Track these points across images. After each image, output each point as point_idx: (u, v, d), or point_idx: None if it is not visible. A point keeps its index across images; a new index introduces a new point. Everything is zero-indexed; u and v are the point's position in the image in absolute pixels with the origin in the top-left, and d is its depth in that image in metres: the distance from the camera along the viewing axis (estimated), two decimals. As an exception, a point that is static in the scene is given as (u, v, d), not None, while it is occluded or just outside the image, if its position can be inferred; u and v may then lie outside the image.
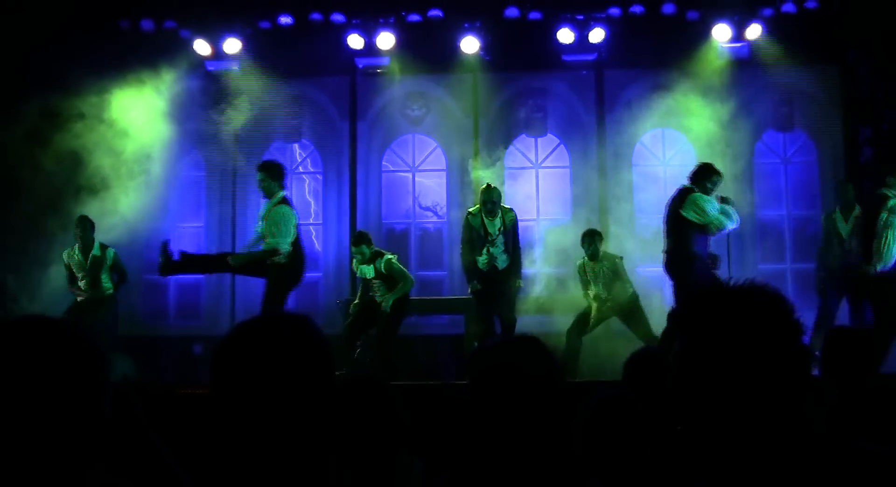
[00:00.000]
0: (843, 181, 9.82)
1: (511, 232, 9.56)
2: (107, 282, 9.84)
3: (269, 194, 8.48)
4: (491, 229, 9.48)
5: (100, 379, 1.63)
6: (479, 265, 9.43)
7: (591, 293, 9.72)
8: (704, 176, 8.37)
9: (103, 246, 9.96)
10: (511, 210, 9.71)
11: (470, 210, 9.77)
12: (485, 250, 9.42)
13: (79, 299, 9.81)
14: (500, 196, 9.61)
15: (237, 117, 11.95)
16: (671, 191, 8.72)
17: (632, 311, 9.60)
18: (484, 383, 2.19)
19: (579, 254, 10.02)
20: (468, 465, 2.16)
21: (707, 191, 8.29)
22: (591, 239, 9.76)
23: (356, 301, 9.64)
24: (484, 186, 9.65)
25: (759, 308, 1.70)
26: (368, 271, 9.40)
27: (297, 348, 1.77)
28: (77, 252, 9.86)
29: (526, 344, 2.26)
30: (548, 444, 2.15)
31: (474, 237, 9.52)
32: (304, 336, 1.79)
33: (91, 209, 10.32)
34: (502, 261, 9.47)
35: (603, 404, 3.16)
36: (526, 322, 9.79)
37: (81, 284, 9.83)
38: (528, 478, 2.12)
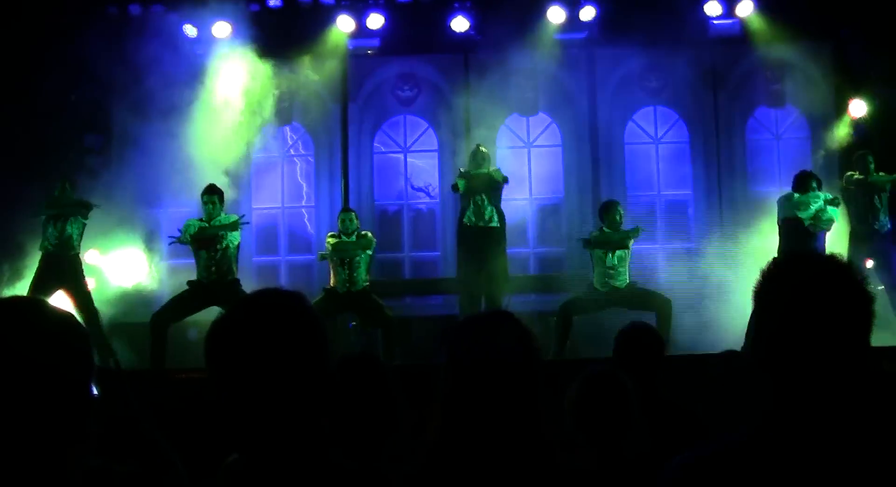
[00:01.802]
0: (864, 152, 9.81)
1: (498, 187, 9.57)
2: (74, 231, 9.50)
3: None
4: (475, 180, 9.49)
5: (83, 359, 1.62)
6: (465, 220, 9.50)
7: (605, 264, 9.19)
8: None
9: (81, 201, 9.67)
10: (499, 171, 9.72)
11: (461, 169, 9.83)
12: (470, 203, 9.46)
13: (47, 249, 9.46)
14: (487, 154, 9.76)
15: (227, 101, 11.87)
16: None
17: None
18: (459, 358, 2.20)
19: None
20: (445, 441, 2.18)
21: None
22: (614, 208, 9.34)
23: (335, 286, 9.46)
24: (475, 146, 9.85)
25: (830, 276, 1.73)
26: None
27: (294, 325, 1.76)
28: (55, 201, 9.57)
29: (500, 320, 2.27)
30: (524, 419, 2.16)
31: (461, 193, 9.65)
32: (299, 313, 1.79)
33: (82, 193, 10.23)
34: (488, 212, 9.45)
35: (591, 380, 3.16)
36: (521, 301, 9.79)
37: (50, 232, 9.47)
38: (506, 454, 2.13)
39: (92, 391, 1.61)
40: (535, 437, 2.17)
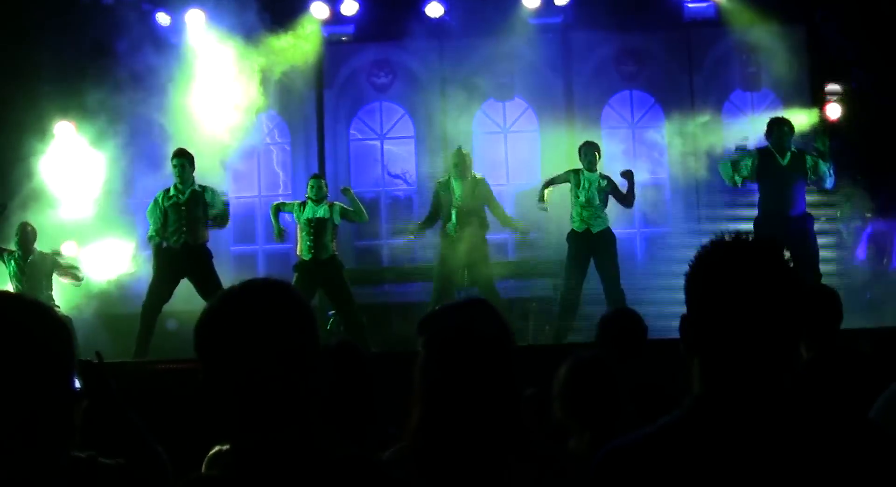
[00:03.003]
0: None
1: (483, 200, 9.44)
2: (48, 290, 9.32)
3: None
4: (458, 192, 9.34)
5: (64, 352, 1.60)
6: (449, 230, 9.34)
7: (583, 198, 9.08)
8: None
9: (45, 254, 9.47)
10: (483, 179, 9.58)
11: (439, 179, 9.74)
12: (453, 213, 9.28)
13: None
14: (470, 159, 9.54)
15: (200, 89, 11.79)
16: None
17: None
18: (436, 345, 2.22)
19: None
20: (427, 426, 2.19)
21: None
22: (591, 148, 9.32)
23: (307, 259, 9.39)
24: (455, 149, 9.60)
25: (754, 260, 1.73)
26: (320, 210, 9.26)
27: (284, 315, 1.75)
28: (17, 255, 9.35)
29: (477, 307, 2.29)
30: (502, 402, 2.19)
31: (442, 204, 9.42)
32: (289, 302, 1.78)
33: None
34: (471, 226, 9.29)
35: (578, 366, 3.17)
36: (500, 287, 9.78)
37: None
38: (484, 440, 2.16)
39: (74, 383, 1.60)
40: (512, 419, 2.20)
